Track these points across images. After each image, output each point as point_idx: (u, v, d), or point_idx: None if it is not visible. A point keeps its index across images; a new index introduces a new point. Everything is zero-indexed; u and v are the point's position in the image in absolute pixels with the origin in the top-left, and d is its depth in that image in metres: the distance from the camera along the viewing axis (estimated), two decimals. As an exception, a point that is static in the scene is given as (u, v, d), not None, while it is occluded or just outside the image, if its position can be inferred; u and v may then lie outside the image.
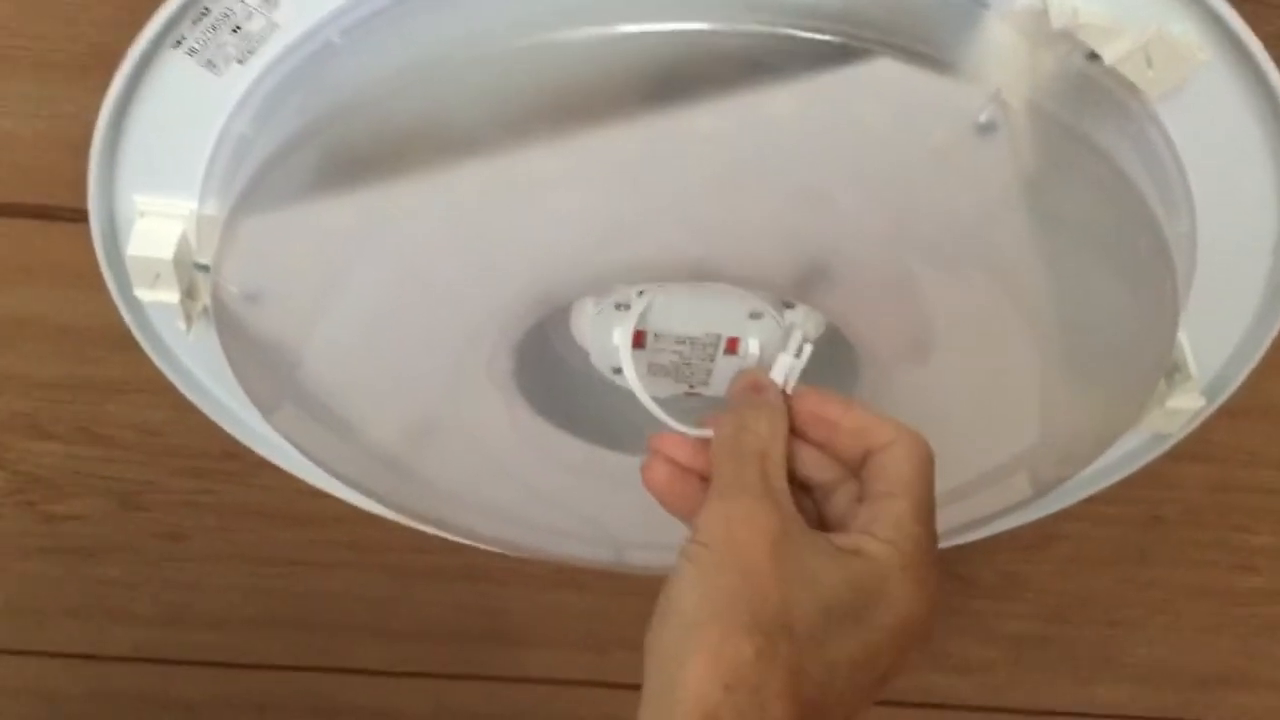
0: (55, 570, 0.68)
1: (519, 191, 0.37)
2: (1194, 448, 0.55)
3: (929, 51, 0.34)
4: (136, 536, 0.66)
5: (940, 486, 0.51)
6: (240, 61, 0.37)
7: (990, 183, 0.36)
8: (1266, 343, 0.48)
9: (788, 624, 0.34)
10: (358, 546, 0.66)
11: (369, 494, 0.53)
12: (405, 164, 0.36)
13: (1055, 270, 0.40)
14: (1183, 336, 0.47)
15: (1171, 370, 0.48)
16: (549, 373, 0.47)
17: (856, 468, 0.39)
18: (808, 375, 0.45)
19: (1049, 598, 0.70)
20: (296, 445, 0.49)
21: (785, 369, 0.43)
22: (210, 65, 0.37)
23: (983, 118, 0.35)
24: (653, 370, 0.47)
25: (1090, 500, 0.57)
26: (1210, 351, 0.49)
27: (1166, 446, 0.53)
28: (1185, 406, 0.48)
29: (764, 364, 0.46)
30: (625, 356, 0.44)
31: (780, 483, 0.37)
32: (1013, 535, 0.61)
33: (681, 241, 0.38)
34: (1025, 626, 0.72)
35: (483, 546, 0.57)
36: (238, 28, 0.36)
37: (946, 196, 0.37)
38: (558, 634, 0.73)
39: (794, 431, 0.40)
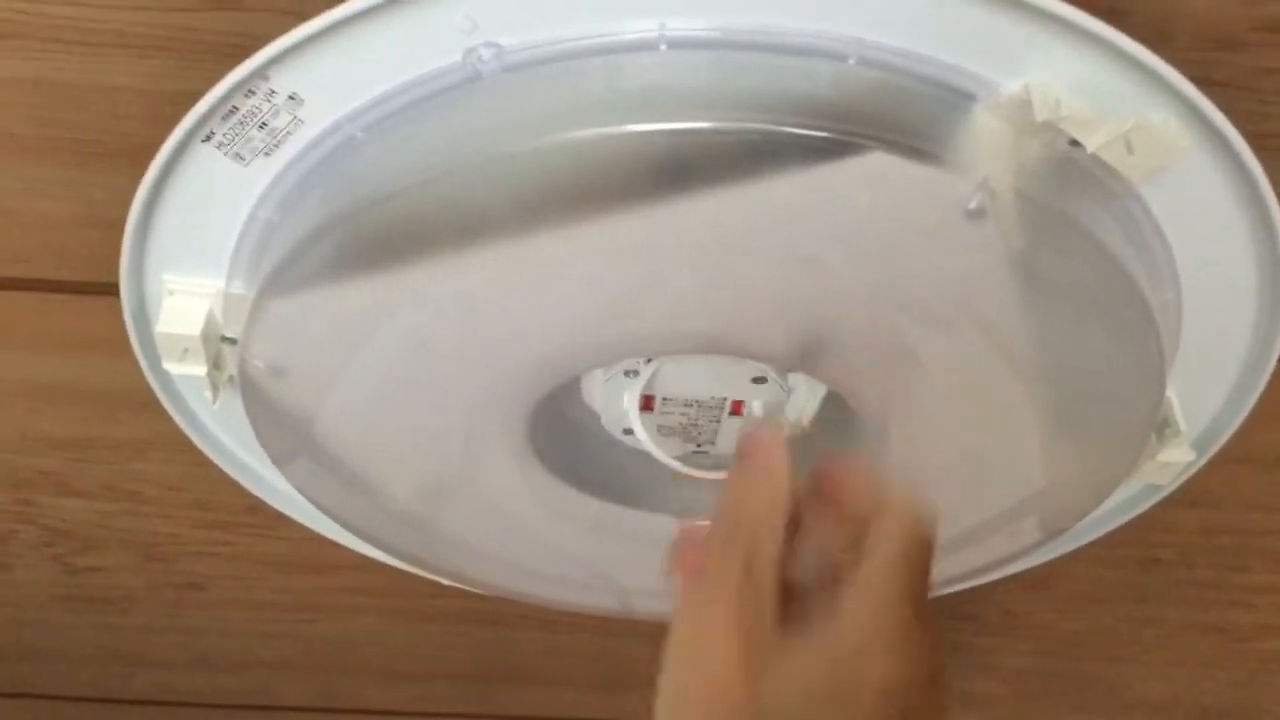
0: (80, 619, 0.70)
1: (532, 276, 0.39)
2: (1187, 494, 0.56)
3: (919, 144, 0.36)
4: (159, 586, 0.68)
5: (950, 535, 0.53)
6: (266, 154, 0.39)
7: (980, 263, 0.38)
8: (1254, 396, 0.50)
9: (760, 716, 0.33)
10: (372, 592, 0.67)
11: (384, 549, 0.55)
12: (423, 251, 0.38)
13: (1045, 338, 0.42)
14: (1172, 394, 0.49)
15: (1162, 426, 0.49)
16: (562, 435, 0.49)
17: (860, 528, 0.40)
18: (811, 438, 0.48)
19: (1051, 635, 0.72)
20: (315, 503, 0.51)
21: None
22: (238, 157, 0.39)
23: (972, 204, 0.36)
24: (662, 431, 0.49)
25: (1090, 544, 0.59)
26: (1200, 406, 0.51)
27: (1161, 495, 0.55)
28: (1176, 460, 0.50)
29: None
30: (635, 419, 0.46)
31: (765, 569, 0.36)
32: (1014, 577, 0.62)
33: (686, 320, 0.40)
34: (1028, 662, 0.74)
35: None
36: (264, 124, 0.38)
37: (938, 276, 0.39)
38: (568, 674, 0.75)
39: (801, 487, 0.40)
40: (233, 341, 0.45)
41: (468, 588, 0.59)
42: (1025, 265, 0.39)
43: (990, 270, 0.39)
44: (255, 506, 0.57)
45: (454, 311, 0.40)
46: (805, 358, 0.42)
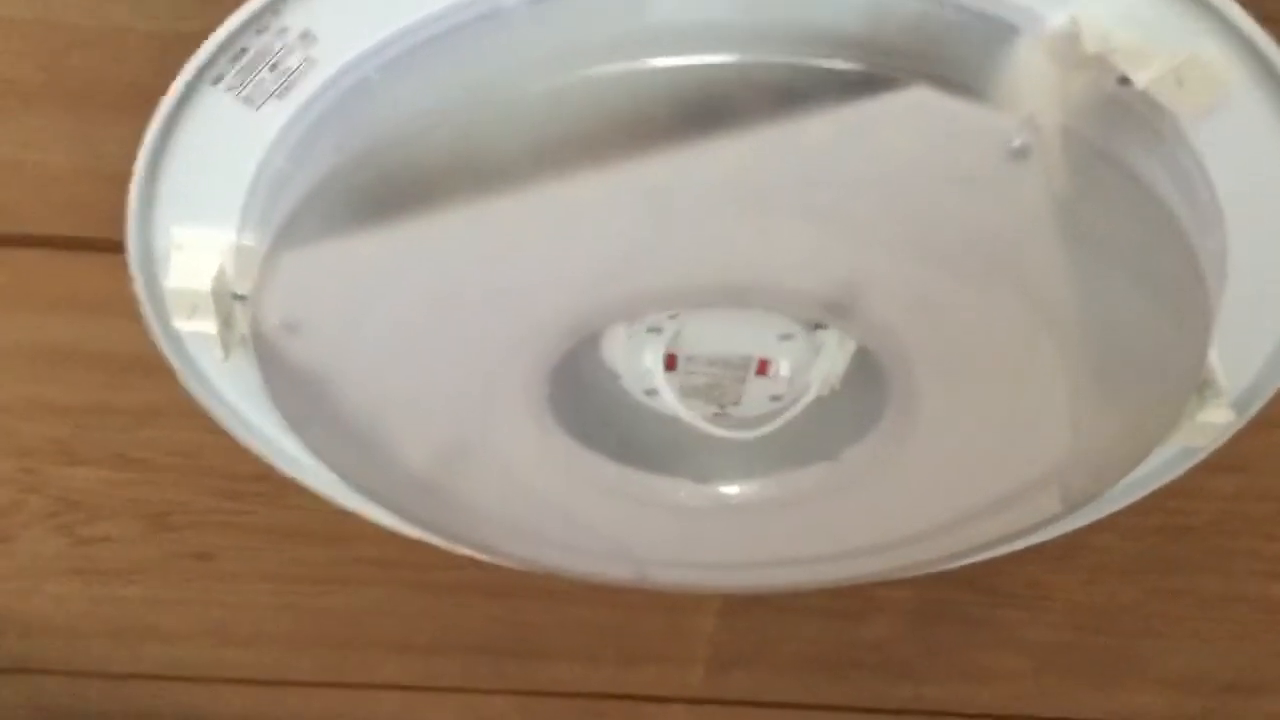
0: (89, 591, 0.68)
1: (552, 223, 0.37)
2: (1223, 458, 0.55)
3: (960, 79, 0.34)
4: (168, 557, 0.66)
5: (973, 503, 0.52)
6: (278, 97, 0.38)
7: (1023, 206, 0.37)
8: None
9: None
10: (386, 564, 0.66)
11: (402, 514, 0.53)
12: (441, 198, 0.37)
13: (1086, 289, 0.40)
14: (1213, 351, 0.47)
15: (1203, 385, 0.48)
16: (582, 395, 0.48)
17: None
18: (838, 398, 0.46)
19: (1077, 607, 0.70)
20: (331, 466, 0.50)
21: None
22: (249, 101, 0.38)
23: (1016, 143, 0.35)
24: (685, 392, 0.48)
25: (1118, 512, 0.57)
26: (1241, 364, 0.49)
27: (1197, 459, 0.53)
28: (1216, 420, 0.48)
29: (795, 383, 0.47)
30: (659, 377, 0.45)
31: None
32: (1040, 547, 0.61)
33: (713, 269, 0.39)
34: (1053, 635, 0.72)
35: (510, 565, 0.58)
36: (275, 65, 0.37)
37: (979, 220, 0.37)
38: (583, 648, 0.73)
39: None
40: (243, 299, 0.43)
41: (483, 557, 0.57)
42: (1069, 210, 0.37)
43: (1032, 215, 0.37)
44: (266, 474, 0.56)
45: (472, 261, 0.39)
46: (836, 311, 0.41)
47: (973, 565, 0.60)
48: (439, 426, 0.47)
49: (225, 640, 0.72)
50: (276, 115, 0.38)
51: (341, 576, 0.67)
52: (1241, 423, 0.51)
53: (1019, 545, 0.58)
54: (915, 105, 0.34)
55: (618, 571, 0.57)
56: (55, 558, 0.66)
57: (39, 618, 0.71)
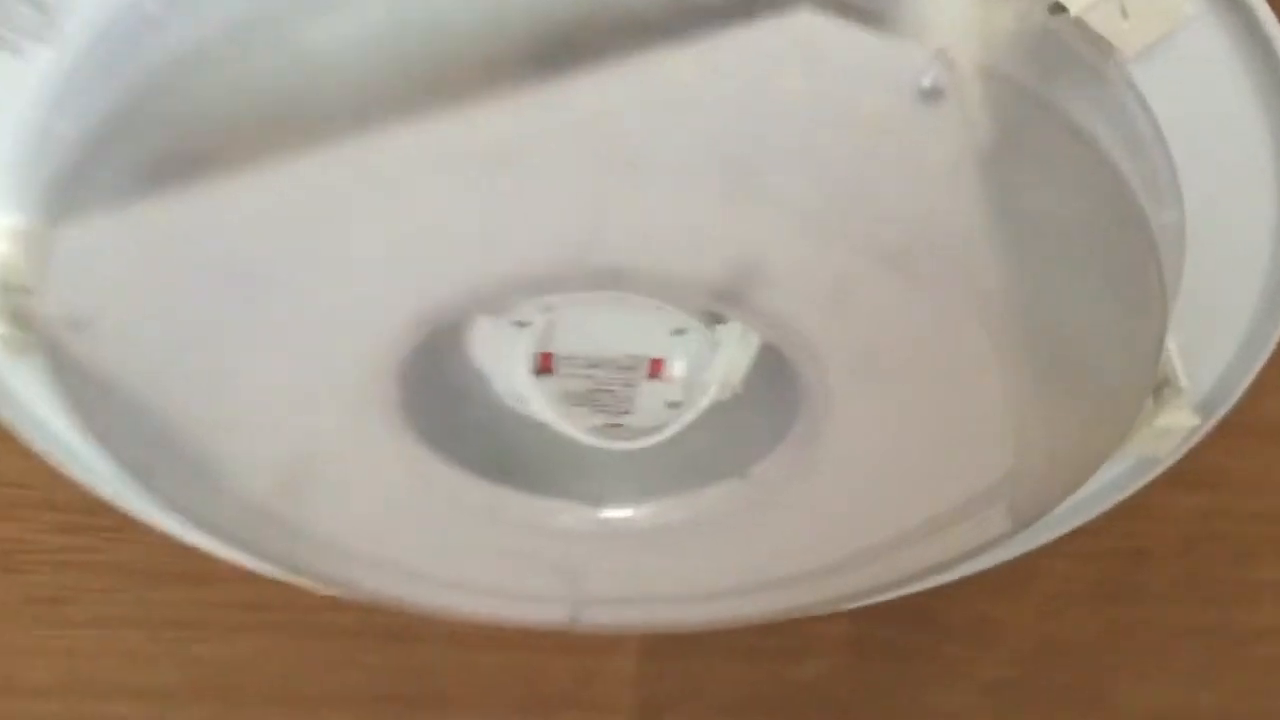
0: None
1: (383, 183, 0.31)
2: (1187, 472, 0.49)
3: (857, 2, 0.28)
4: (16, 602, 0.59)
5: (906, 523, 0.45)
6: (42, 39, 0.31)
7: (938, 159, 0.30)
8: (1267, 351, 0.42)
9: None
10: (260, 606, 0.59)
11: (251, 551, 0.46)
12: (246, 154, 0.30)
13: (1021, 266, 0.34)
14: (1171, 344, 0.41)
15: (1160, 384, 0.42)
16: (443, 402, 0.41)
17: None
18: (745, 405, 0.40)
19: (1028, 642, 0.65)
20: (159, 496, 0.43)
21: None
22: (7, 45, 0.31)
23: (926, 82, 0.29)
24: (567, 399, 0.41)
25: (1072, 535, 0.52)
26: (1203, 362, 0.43)
27: (1156, 472, 0.48)
28: (1177, 425, 0.42)
29: (693, 386, 0.41)
30: (525, 379, 0.38)
31: None
32: (987, 575, 0.55)
33: (579, 242, 0.32)
34: (1004, 672, 0.67)
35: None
36: (32, -4, 0.30)
37: (889, 177, 0.31)
38: (493, 696, 0.67)
39: None
40: (30, 291, 0.36)
41: (356, 598, 0.51)
42: (994, 167, 0.31)
43: (951, 172, 0.31)
44: (106, 508, 0.49)
45: (291, 232, 0.32)
46: (727, 297, 0.34)
47: (914, 596, 0.54)
48: (274, 442, 0.40)
49: (89, 693, 0.65)
50: (42, 62, 0.32)
51: (211, 620, 0.61)
52: (1205, 429, 0.45)
53: (963, 572, 0.52)
54: (801, 34, 0.28)
55: (538, 613, 0.50)
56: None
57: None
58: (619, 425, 0.42)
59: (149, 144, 0.31)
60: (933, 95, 0.29)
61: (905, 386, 0.39)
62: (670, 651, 0.65)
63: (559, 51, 0.28)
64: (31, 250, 0.34)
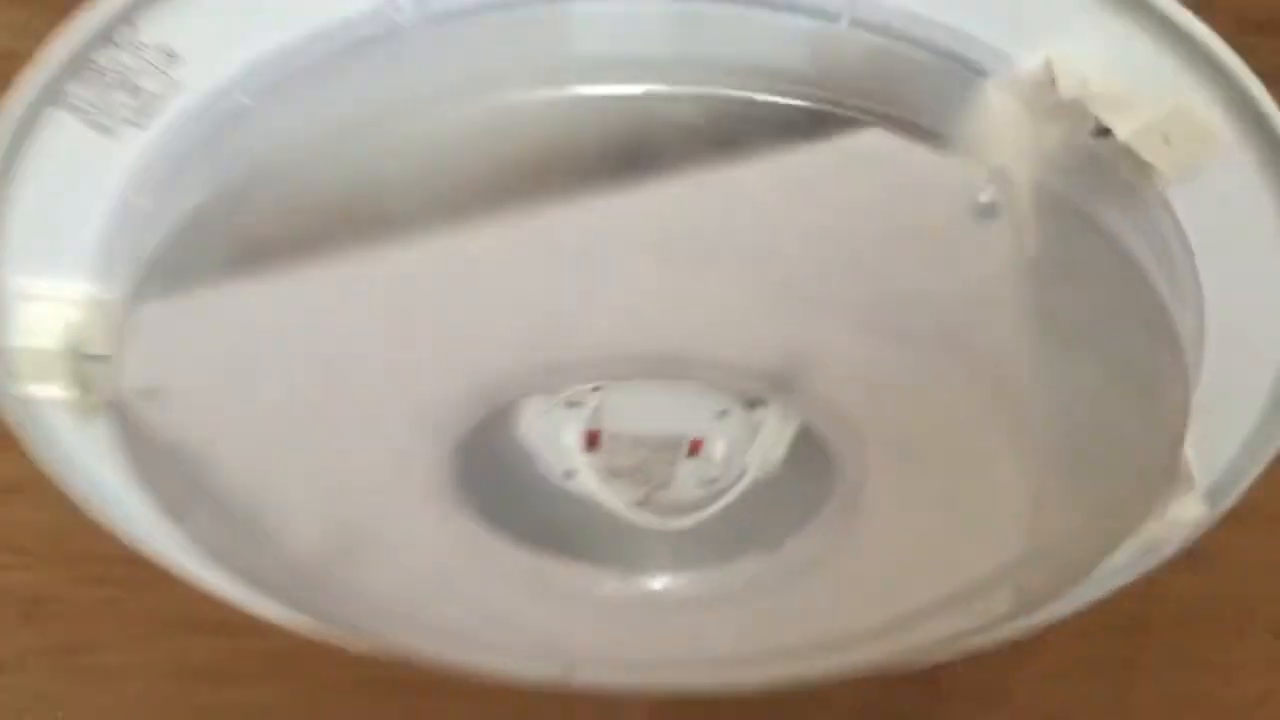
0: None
1: (455, 276, 0.32)
2: (1186, 556, 0.51)
3: (922, 123, 0.30)
4: (46, 650, 0.60)
5: (919, 600, 0.47)
6: (136, 124, 0.33)
7: (988, 270, 0.32)
8: (1272, 449, 0.44)
9: None
10: (287, 657, 0.60)
11: (294, 606, 0.47)
12: (325, 243, 0.32)
13: (1054, 366, 0.36)
14: (1186, 440, 0.43)
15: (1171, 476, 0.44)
16: (493, 475, 0.42)
17: None
18: (778, 482, 0.41)
19: (1035, 709, 0.66)
20: (206, 552, 0.44)
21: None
22: (102, 128, 0.33)
23: (983, 198, 0.31)
24: (609, 473, 0.43)
25: (1077, 612, 0.53)
26: (1210, 456, 0.45)
27: (1162, 557, 0.49)
28: (1186, 516, 0.44)
29: (730, 465, 0.42)
30: (578, 457, 0.40)
31: None
32: (994, 646, 0.56)
33: (637, 336, 0.34)
34: None
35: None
36: (132, 86, 0.32)
37: (939, 284, 0.33)
38: None
39: None
40: (103, 359, 0.38)
41: (388, 656, 0.52)
42: (1038, 277, 0.33)
43: (998, 281, 0.33)
44: (139, 560, 0.50)
45: (363, 318, 0.34)
46: (778, 384, 0.36)
47: (926, 668, 0.56)
48: (330, 510, 0.41)
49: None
50: (135, 145, 0.33)
51: (239, 672, 0.62)
52: (1211, 519, 0.47)
53: (971, 646, 0.54)
54: (869, 151, 0.30)
55: (541, 671, 0.51)
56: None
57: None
58: (656, 499, 0.44)
59: (235, 230, 0.32)
60: (988, 211, 0.31)
61: (935, 471, 0.40)
62: (679, 712, 0.66)
63: (636, 155, 0.30)
64: (111, 321, 0.36)
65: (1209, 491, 0.46)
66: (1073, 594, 0.52)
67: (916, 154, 0.30)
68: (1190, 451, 0.43)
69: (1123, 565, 0.51)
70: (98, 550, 0.53)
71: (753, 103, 0.29)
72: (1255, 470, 0.45)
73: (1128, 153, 0.32)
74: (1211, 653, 0.61)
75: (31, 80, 0.31)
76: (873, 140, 0.29)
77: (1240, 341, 0.40)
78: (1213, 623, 0.60)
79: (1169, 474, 0.43)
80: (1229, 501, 0.47)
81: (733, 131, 0.30)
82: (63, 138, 0.33)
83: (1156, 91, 0.31)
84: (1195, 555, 0.52)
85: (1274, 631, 0.61)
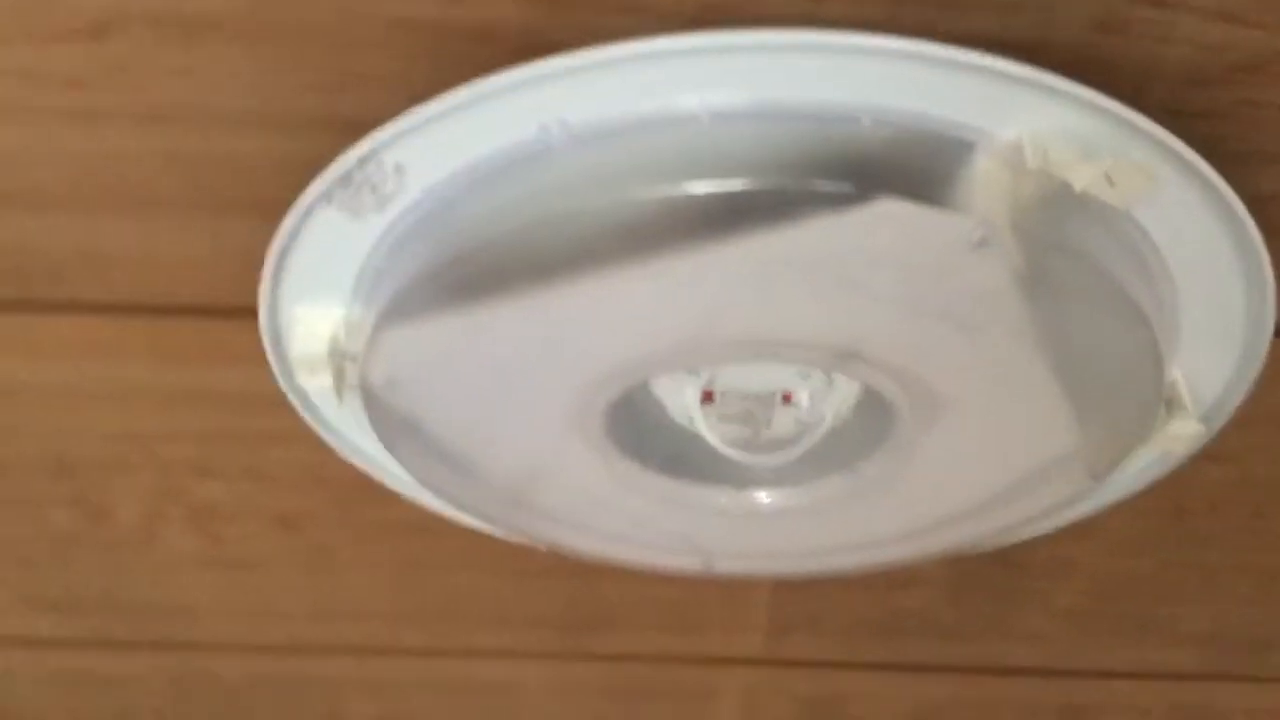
0: (221, 580, 0.79)
1: (602, 309, 0.46)
2: (1211, 453, 0.62)
3: (926, 190, 0.42)
4: (290, 551, 0.75)
5: (976, 498, 0.59)
6: (377, 211, 0.47)
7: (989, 284, 0.44)
8: (1256, 367, 0.55)
9: None
10: (477, 554, 0.74)
11: (488, 522, 0.63)
12: (510, 290, 0.46)
13: (1053, 338, 0.48)
14: (1179, 374, 0.54)
15: (1171, 403, 0.55)
16: (636, 424, 0.56)
17: None
18: (850, 429, 0.54)
19: (1096, 578, 0.76)
20: (426, 485, 0.59)
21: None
22: (353, 214, 0.47)
23: (975, 237, 0.43)
24: (723, 419, 0.56)
25: (1123, 500, 0.65)
26: (1210, 379, 0.56)
27: (1177, 462, 0.61)
28: (1185, 433, 0.56)
29: (814, 411, 0.56)
30: (696, 413, 0.54)
31: None
32: (1059, 528, 0.68)
33: (738, 340, 0.47)
34: (1077, 602, 0.79)
35: (585, 556, 0.67)
36: (375, 189, 0.46)
37: (953, 296, 0.45)
38: (656, 620, 0.81)
39: None
40: (353, 358, 0.53)
41: (553, 550, 0.66)
42: (1028, 284, 0.45)
43: (997, 290, 0.45)
44: (373, 485, 0.66)
45: (535, 338, 0.48)
46: (842, 363, 0.49)
47: (1000, 547, 0.68)
48: (515, 455, 0.56)
49: (339, 616, 0.82)
50: (376, 225, 0.47)
51: (438, 563, 0.76)
52: (1217, 427, 0.58)
53: (1035, 531, 0.66)
54: (889, 213, 0.42)
55: (683, 564, 0.65)
56: (194, 553, 0.76)
57: (179, 602, 0.81)
58: (761, 435, 0.57)
59: (446, 281, 0.46)
60: (981, 245, 0.43)
61: (970, 409, 0.53)
62: (797, 587, 0.78)
63: (728, 223, 0.43)
64: (360, 336, 0.50)
65: (1213, 406, 0.57)
66: (1118, 487, 0.64)
67: (921, 212, 0.42)
68: (1183, 384, 0.55)
69: (1152, 464, 0.62)
70: (340, 480, 0.69)
71: (806, 189, 0.41)
72: (1244, 388, 0.56)
73: (1086, 195, 0.43)
74: (1244, 530, 0.72)
75: (314, 188, 0.45)
76: (890, 206, 0.42)
77: (1211, 300, 0.51)
78: (1244, 506, 0.70)
79: (1167, 401, 0.55)
80: (1229, 412, 0.58)
81: (794, 206, 0.42)
82: (329, 220, 0.47)
83: (1102, 150, 0.42)
84: (1218, 452, 0.63)
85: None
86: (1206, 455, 0.63)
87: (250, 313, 0.53)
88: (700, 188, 0.42)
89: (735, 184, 0.42)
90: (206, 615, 0.82)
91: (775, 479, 0.59)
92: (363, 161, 0.44)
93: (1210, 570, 0.75)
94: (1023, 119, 0.42)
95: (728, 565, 0.66)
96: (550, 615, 0.81)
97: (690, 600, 0.80)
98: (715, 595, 0.80)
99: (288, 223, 0.47)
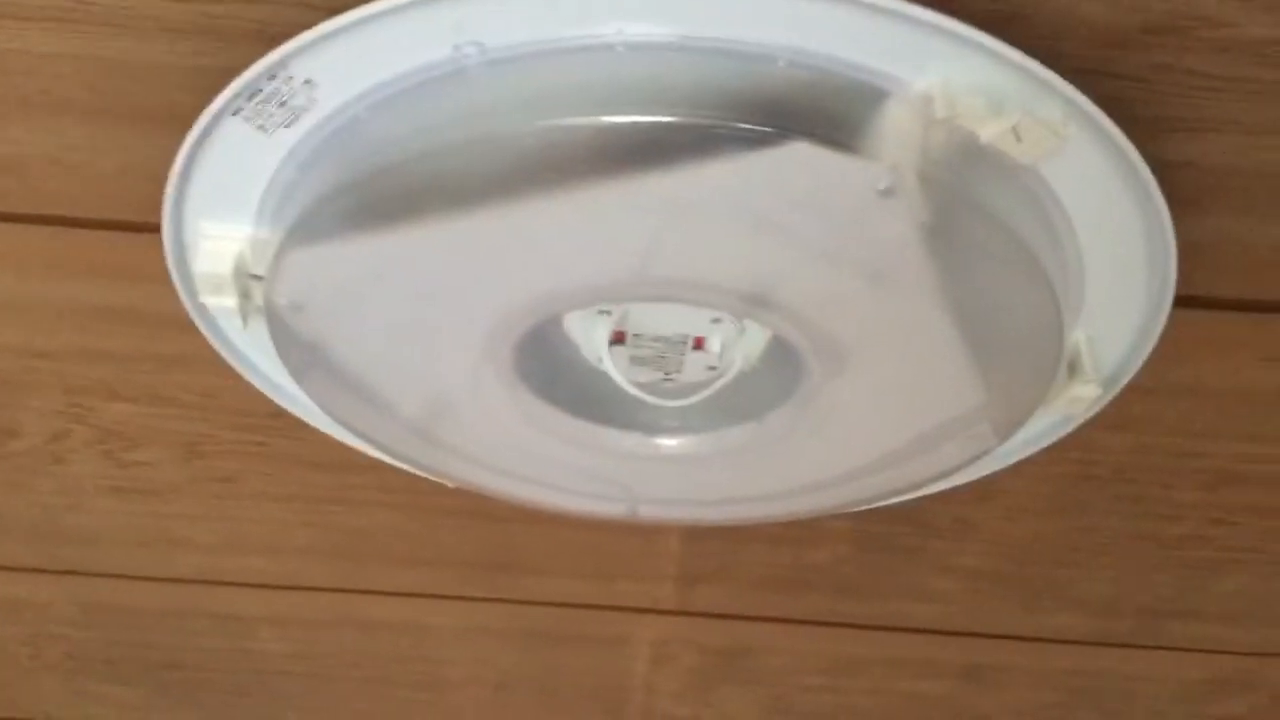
0: (128, 507, 0.78)
1: (511, 239, 0.46)
2: (1114, 419, 0.63)
3: (837, 135, 0.42)
4: (197, 479, 0.75)
5: (880, 451, 0.60)
6: (286, 127, 0.46)
7: (894, 231, 0.45)
8: (1155, 337, 0.56)
9: None
10: (388, 490, 0.74)
11: (396, 457, 0.62)
12: (418, 214, 0.45)
13: (956, 290, 0.48)
14: (1082, 336, 0.55)
15: (1073, 365, 0.56)
16: (545, 360, 0.56)
17: None
18: (759, 378, 0.55)
19: (999, 540, 0.78)
20: (331, 415, 0.59)
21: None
22: (261, 129, 0.46)
23: (882, 185, 0.43)
24: (635, 361, 0.56)
25: (1026, 462, 0.66)
26: (1112, 346, 0.57)
27: (1078, 423, 0.62)
28: (1084, 395, 0.57)
29: (725, 357, 0.56)
30: (605, 354, 0.54)
31: None
32: (962, 488, 0.69)
33: (648, 277, 0.47)
34: (979, 563, 0.80)
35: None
36: (284, 102, 0.45)
37: (861, 245, 0.45)
38: (568, 565, 0.82)
39: None
40: (259, 278, 0.52)
41: (465, 489, 0.66)
42: (932, 234, 0.45)
43: (904, 237, 0.45)
44: (280, 413, 0.65)
45: (444, 266, 0.47)
46: (753, 307, 0.49)
47: (904, 503, 0.69)
48: (423, 387, 0.56)
49: (248, 550, 0.81)
50: (284, 141, 0.46)
51: (349, 499, 0.76)
52: (1113, 393, 0.59)
53: (942, 486, 0.67)
54: (800, 156, 0.42)
55: (599, 509, 0.65)
56: (100, 478, 0.75)
57: (86, 529, 0.80)
58: (672, 379, 0.58)
59: (354, 203, 0.46)
60: (888, 193, 0.43)
61: (877, 361, 0.53)
62: (707, 537, 0.79)
63: (646, 156, 0.42)
64: (267, 255, 0.50)
65: (1115, 372, 0.58)
66: (1019, 447, 0.64)
67: (831, 156, 0.42)
68: (1085, 346, 0.56)
69: (1053, 427, 0.63)
70: (245, 407, 0.68)
71: (723, 128, 0.41)
72: (1142, 357, 0.57)
73: (992, 149, 0.43)
74: (1147, 498, 0.73)
75: (219, 99, 0.44)
76: (801, 149, 0.42)
77: (1114, 265, 0.52)
78: (1144, 473, 0.71)
79: (1069, 362, 0.55)
80: (1126, 379, 0.59)
81: (710, 143, 0.42)
82: (236, 134, 0.46)
83: (1013, 105, 0.43)
84: (1121, 420, 0.65)
85: (1193, 483, 0.73)
86: (1110, 423, 0.64)
87: (158, 229, 0.52)
88: (618, 119, 0.41)
89: (654, 118, 0.41)
90: (111, 544, 0.81)
91: (683, 425, 0.59)
92: (271, 73, 0.44)
93: (1111, 537, 0.77)
94: (936, 69, 0.42)
95: (643, 511, 0.66)
96: (461, 556, 0.81)
97: (602, 548, 0.80)
98: (627, 543, 0.80)
99: (193, 133, 0.46)
